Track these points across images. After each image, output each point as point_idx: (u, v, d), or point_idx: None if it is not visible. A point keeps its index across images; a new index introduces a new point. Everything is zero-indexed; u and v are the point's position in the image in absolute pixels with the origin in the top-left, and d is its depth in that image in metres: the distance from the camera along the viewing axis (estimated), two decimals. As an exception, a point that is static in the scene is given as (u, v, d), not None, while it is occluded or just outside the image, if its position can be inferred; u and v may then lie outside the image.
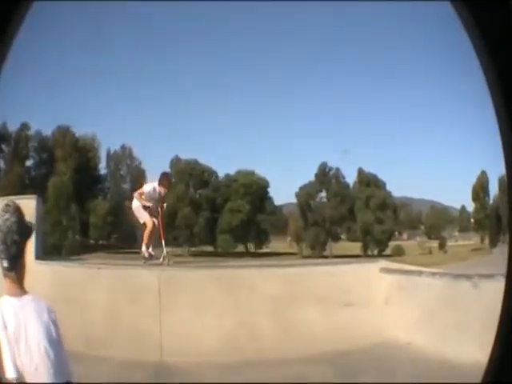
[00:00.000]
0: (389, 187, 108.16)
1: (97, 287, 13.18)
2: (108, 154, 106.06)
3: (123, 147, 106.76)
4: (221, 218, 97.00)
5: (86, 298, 12.84)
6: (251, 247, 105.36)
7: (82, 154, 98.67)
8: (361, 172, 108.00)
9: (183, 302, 12.93)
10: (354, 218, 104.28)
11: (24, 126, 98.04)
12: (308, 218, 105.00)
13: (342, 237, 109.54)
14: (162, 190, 15.89)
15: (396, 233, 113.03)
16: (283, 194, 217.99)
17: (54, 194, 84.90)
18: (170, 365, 11.38)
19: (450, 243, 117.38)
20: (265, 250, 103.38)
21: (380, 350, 12.71)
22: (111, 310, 12.62)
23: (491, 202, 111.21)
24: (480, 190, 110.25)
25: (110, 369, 10.48)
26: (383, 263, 16.69)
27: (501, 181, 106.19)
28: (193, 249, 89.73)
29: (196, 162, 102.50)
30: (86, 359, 10.09)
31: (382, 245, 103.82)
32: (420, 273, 14.94)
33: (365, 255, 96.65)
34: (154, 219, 15.75)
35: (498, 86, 2.67)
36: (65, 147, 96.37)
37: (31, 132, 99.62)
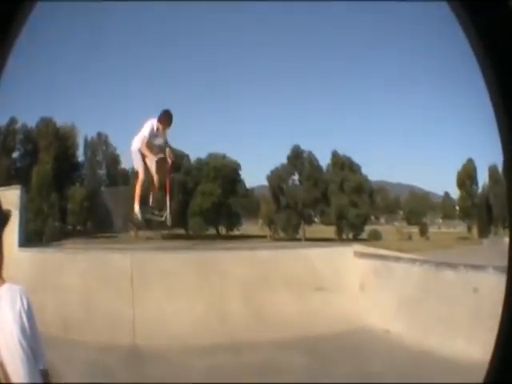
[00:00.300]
0: (365, 171, 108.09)
1: (73, 272, 13.17)
2: (85, 142, 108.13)
3: (99, 134, 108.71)
4: (192, 201, 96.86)
5: (64, 283, 12.83)
6: (223, 230, 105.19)
7: (62, 142, 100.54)
8: (335, 155, 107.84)
9: (155, 286, 12.96)
10: (327, 201, 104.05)
11: (12, 120, 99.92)
12: (280, 201, 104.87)
13: (316, 220, 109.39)
14: (161, 128, 14.55)
15: (372, 217, 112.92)
16: (256, 176, 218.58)
17: (36, 182, 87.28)
18: (142, 348, 11.41)
19: (432, 230, 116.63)
20: (236, 232, 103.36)
21: (356, 336, 12.75)
22: (87, 294, 12.65)
23: (480, 190, 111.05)
24: (467, 177, 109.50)
25: (85, 353, 10.50)
26: (357, 247, 16.52)
27: (491, 170, 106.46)
28: (165, 232, 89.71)
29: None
30: (63, 343, 10.16)
31: (356, 229, 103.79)
32: (398, 258, 14.80)
33: (339, 239, 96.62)
34: (155, 170, 14.83)
35: (496, 87, 2.64)
36: (47, 137, 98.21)
37: (18, 125, 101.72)
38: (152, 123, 14.42)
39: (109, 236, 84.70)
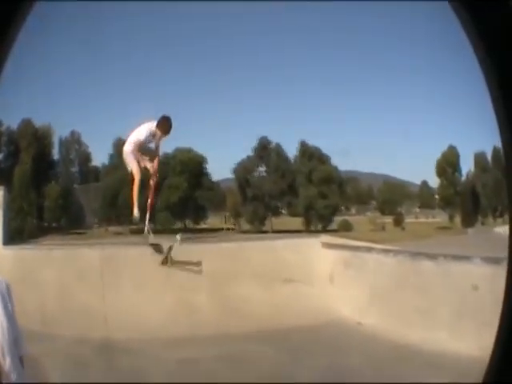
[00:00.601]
0: (336, 161, 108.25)
1: (49, 268, 13.23)
2: (60, 141, 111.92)
3: (73, 133, 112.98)
4: (159, 196, 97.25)
5: (41, 279, 12.90)
6: (190, 223, 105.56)
7: (40, 142, 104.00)
8: (304, 145, 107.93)
9: (125, 279, 13.04)
10: (295, 192, 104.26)
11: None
12: (246, 193, 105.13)
13: (283, 212, 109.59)
14: (159, 134, 14.01)
15: (343, 208, 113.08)
16: (223, 169, 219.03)
17: (17, 182, 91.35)
18: (114, 340, 11.39)
19: (409, 220, 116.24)
20: (203, 225, 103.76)
21: (327, 328, 12.67)
22: (62, 288, 12.76)
23: (464, 178, 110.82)
24: (448, 165, 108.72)
25: (62, 345, 10.58)
26: (325, 238, 16.47)
27: (477, 158, 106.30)
28: (133, 227, 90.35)
29: None
30: (42, 336, 10.18)
31: (325, 220, 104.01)
32: (369, 249, 14.64)
33: (307, 230, 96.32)
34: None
35: (497, 87, 2.67)
36: (27, 138, 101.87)
37: (3, 128, 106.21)
38: (150, 128, 13.92)
39: (81, 232, 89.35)
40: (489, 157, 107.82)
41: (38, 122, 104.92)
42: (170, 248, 13.24)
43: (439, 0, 3.26)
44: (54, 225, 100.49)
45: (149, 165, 14.37)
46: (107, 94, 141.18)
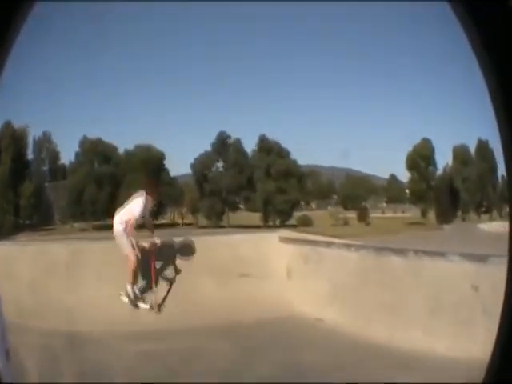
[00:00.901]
0: (296, 156, 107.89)
1: (23, 263, 13.51)
2: (34, 141, 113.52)
3: (45, 133, 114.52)
4: (120, 192, 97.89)
5: (17, 273, 13.09)
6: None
7: (17, 143, 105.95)
8: (263, 140, 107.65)
9: (89, 274, 13.22)
10: (253, 187, 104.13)
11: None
12: (204, 189, 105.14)
13: (241, 207, 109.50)
14: (151, 200, 13.50)
15: (302, 203, 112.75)
16: (182, 165, 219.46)
17: None
18: (81, 333, 11.37)
19: (375, 215, 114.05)
20: (161, 221, 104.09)
21: (285, 324, 12.56)
22: (34, 283, 12.93)
23: (440, 172, 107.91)
24: (421, 158, 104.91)
25: (34, 338, 10.54)
26: (283, 233, 16.47)
27: (456, 151, 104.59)
28: (96, 223, 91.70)
29: (100, 141, 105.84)
30: (16, 329, 10.16)
31: (284, 215, 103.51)
32: (329, 244, 14.39)
33: (265, 226, 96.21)
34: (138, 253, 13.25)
35: (497, 87, 2.67)
36: (6, 138, 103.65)
37: None
38: (141, 201, 13.25)
39: (50, 228, 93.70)
40: (472, 150, 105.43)
41: (17, 123, 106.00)
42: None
43: (439, 0, 3.27)
44: (27, 222, 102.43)
45: (145, 242, 13.49)
46: (76, 92, 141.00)
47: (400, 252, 11.60)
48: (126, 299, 13.11)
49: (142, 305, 13.28)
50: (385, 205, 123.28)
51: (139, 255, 13.09)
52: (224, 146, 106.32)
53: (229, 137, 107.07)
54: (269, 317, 12.62)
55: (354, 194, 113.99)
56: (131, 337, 11.24)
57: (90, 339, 10.94)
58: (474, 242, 34.72)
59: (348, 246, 13.78)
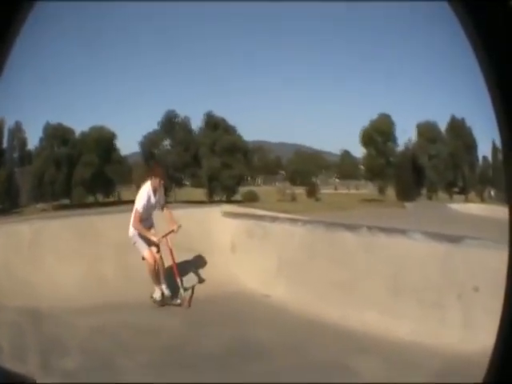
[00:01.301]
0: (243, 131, 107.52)
1: None
2: (8, 130, 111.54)
3: (17, 122, 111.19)
4: (75, 173, 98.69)
5: None
6: (100, 197, 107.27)
7: None
8: (209, 115, 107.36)
9: (49, 251, 13.25)
10: (199, 164, 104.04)
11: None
12: (151, 166, 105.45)
13: (187, 183, 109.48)
14: (157, 185, 12.82)
15: (249, 178, 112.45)
16: (133, 144, 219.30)
17: None
18: (42, 309, 11.27)
19: (326, 191, 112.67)
20: (111, 199, 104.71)
21: (231, 300, 12.41)
22: (5, 262, 12.87)
23: (401, 148, 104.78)
24: (379, 134, 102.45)
25: (5, 315, 10.72)
26: (227, 207, 16.44)
27: (420, 128, 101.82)
28: (55, 203, 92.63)
29: (60, 125, 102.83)
30: None
31: (229, 190, 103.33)
32: (274, 218, 14.41)
33: (209, 201, 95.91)
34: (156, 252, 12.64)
35: (497, 87, 2.70)
36: None
37: None
38: (144, 192, 12.78)
39: (19, 211, 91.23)
40: (442, 128, 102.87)
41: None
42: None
43: (439, 0, 3.32)
44: (0, 207, 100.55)
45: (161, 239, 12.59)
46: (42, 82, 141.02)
47: (351, 228, 11.44)
48: (156, 302, 12.62)
49: (171, 301, 12.67)
50: (337, 181, 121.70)
51: (157, 256, 12.55)
52: (171, 124, 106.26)
53: (177, 115, 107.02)
54: (216, 292, 12.43)
55: (302, 170, 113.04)
56: (82, 312, 11.07)
57: (49, 315, 10.92)
58: (445, 222, 33.98)
59: (294, 220, 13.84)
